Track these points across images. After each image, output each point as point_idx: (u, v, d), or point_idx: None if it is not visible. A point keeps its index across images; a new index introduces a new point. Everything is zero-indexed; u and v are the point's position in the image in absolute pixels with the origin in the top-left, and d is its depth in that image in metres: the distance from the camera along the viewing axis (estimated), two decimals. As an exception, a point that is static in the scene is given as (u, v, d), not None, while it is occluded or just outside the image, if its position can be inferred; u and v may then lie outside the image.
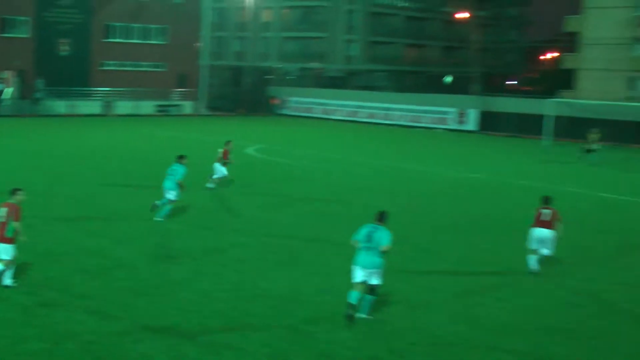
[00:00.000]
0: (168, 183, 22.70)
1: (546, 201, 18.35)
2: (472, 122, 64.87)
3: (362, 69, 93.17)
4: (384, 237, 14.25)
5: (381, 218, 14.75)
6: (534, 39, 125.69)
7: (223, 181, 28.89)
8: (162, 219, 22.48)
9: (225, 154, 29.49)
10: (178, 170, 22.80)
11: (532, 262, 17.83)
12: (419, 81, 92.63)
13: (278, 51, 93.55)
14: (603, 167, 42.07)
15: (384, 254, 14.22)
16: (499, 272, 18.32)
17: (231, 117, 76.34)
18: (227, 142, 30.29)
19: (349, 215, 24.65)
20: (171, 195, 22.68)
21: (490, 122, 63.87)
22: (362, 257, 14.25)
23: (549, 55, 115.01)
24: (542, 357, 12.77)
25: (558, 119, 57.28)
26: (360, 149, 46.71)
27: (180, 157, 23.22)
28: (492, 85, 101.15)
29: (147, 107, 70.86)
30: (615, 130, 56.39)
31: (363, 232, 14.50)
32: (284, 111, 79.39)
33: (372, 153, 44.64)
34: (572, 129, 57.85)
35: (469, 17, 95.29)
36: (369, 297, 14.33)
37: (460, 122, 65.41)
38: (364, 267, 14.18)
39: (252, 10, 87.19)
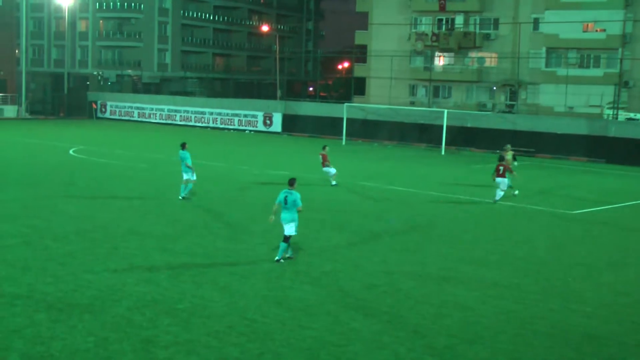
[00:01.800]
0: (183, 167, 26.25)
1: (291, 183, 17.95)
2: (277, 124, 65.45)
3: (175, 75, 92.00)
4: (297, 199, 17.31)
5: (292, 184, 17.58)
6: (329, 50, 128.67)
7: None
8: (187, 196, 26.23)
9: (324, 158, 31.52)
10: (186, 155, 26.30)
11: None
12: (227, 87, 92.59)
13: (96, 59, 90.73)
14: (391, 161, 43.56)
15: (298, 212, 17.40)
16: (305, 261, 18.45)
17: (52, 121, 73.44)
18: (324, 147, 32.37)
19: (166, 211, 24.25)
20: (189, 176, 26.20)
21: (292, 124, 64.71)
22: (284, 215, 17.37)
23: (342, 65, 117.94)
24: (342, 332, 12.94)
25: (352, 121, 58.97)
26: (176, 149, 45.91)
27: (183, 144, 26.92)
28: (294, 91, 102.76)
29: (-33, 111, 66.85)
30: (400, 131, 58.71)
31: (281, 196, 17.41)
32: (104, 115, 77.15)
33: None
34: (364, 129, 59.82)
35: (271, 30, 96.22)
36: (284, 244, 17.52)
37: (266, 125, 65.84)
38: (287, 221, 17.29)
39: (69, 20, 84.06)
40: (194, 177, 26.53)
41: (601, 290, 16.51)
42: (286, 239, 17.52)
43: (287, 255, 17.88)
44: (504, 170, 28.28)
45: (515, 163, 32.42)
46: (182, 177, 26.59)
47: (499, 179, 28.37)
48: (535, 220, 25.67)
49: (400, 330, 13.19)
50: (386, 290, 15.72)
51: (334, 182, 31.62)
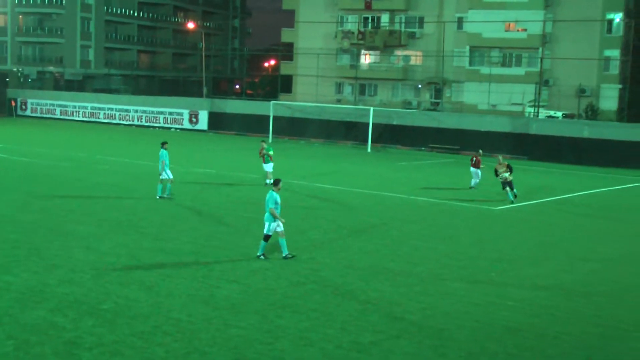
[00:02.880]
0: (160, 166, 26.52)
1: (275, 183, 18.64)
2: (203, 122, 64.96)
3: (98, 72, 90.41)
4: (270, 200, 17.83)
5: (275, 184, 18.27)
6: (256, 48, 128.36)
7: None
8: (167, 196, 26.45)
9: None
10: (164, 154, 26.52)
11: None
12: (153, 85, 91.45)
13: (15, 55, 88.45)
14: (318, 159, 43.75)
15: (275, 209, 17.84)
16: (232, 259, 18.38)
17: (-31, 119, 71.30)
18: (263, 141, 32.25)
19: (91, 210, 23.82)
20: (166, 175, 26.45)
21: (219, 122, 64.35)
22: (266, 215, 17.91)
23: (269, 63, 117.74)
24: (269, 330, 12.94)
25: (278, 119, 58.97)
26: (100, 148, 45.25)
27: (163, 143, 27.08)
28: (220, 89, 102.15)
29: None
30: (327, 128, 58.98)
31: (266, 197, 18.04)
32: (24, 112, 75.30)
33: (112, 151, 43.39)
34: (291, 127, 59.89)
35: (197, 27, 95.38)
36: (282, 240, 18.06)
37: (192, 122, 65.30)
38: (269, 221, 17.84)
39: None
40: (171, 176, 26.69)
41: (522, 285, 16.90)
42: (266, 237, 18.10)
43: (290, 255, 18.27)
44: (477, 162, 32.54)
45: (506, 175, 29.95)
46: (159, 176, 26.76)
47: (472, 169, 32.62)
48: (460, 216, 26.11)
49: (327, 327, 13.25)
50: (313, 288, 15.78)
51: (268, 181, 30.71)
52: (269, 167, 31.17)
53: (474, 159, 33.00)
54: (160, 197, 26.46)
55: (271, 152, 31.11)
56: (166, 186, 26.69)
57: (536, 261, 19.51)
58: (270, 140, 56.68)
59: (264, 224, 18.09)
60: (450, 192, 31.63)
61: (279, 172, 35.91)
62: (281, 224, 17.98)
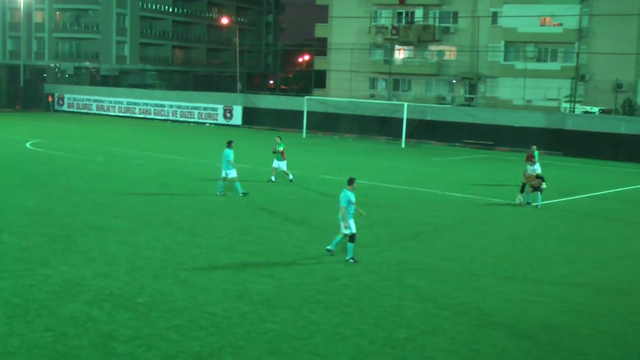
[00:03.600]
0: (223, 164, 26.30)
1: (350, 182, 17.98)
2: (237, 117, 65.20)
3: (134, 68, 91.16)
4: (343, 198, 17.42)
5: (349, 182, 17.73)
6: (289, 43, 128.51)
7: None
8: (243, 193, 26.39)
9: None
10: (229, 154, 26.28)
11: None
12: (187, 80, 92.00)
13: (52, 50, 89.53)
14: (351, 155, 43.74)
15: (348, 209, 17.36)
16: (266, 254, 18.45)
17: (8, 113, 72.30)
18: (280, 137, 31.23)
19: (125, 204, 24.06)
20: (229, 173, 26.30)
21: (253, 117, 64.55)
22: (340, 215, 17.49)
23: (302, 58, 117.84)
24: (303, 325, 12.97)
25: (312, 114, 59.02)
26: (135, 142, 45.65)
27: (229, 143, 26.85)
28: (254, 84, 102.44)
29: None
30: (360, 124, 58.91)
31: (340, 195, 17.61)
32: (61, 107, 76.18)
33: (147, 146, 43.74)
34: (325, 122, 59.89)
35: (231, 22, 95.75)
36: (350, 244, 17.52)
37: (227, 118, 65.56)
38: (350, 219, 17.33)
39: (24, 11, 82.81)
40: (235, 175, 26.46)
41: (557, 282, 16.75)
42: (351, 237, 17.53)
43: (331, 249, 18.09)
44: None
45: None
46: (220, 173, 26.74)
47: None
48: (493, 213, 25.95)
49: (361, 322, 13.26)
50: (347, 283, 15.78)
51: (291, 177, 30.51)
52: (283, 164, 30.25)
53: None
54: (220, 193, 26.49)
55: (281, 148, 30.14)
56: (235, 184, 26.47)
57: (571, 258, 19.32)
58: (304, 135, 56.79)
59: (340, 225, 17.66)
60: (484, 188, 31.42)
61: (314, 167, 36.01)
62: (346, 226, 17.47)
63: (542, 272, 17.61)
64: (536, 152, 30.79)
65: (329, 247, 18.09)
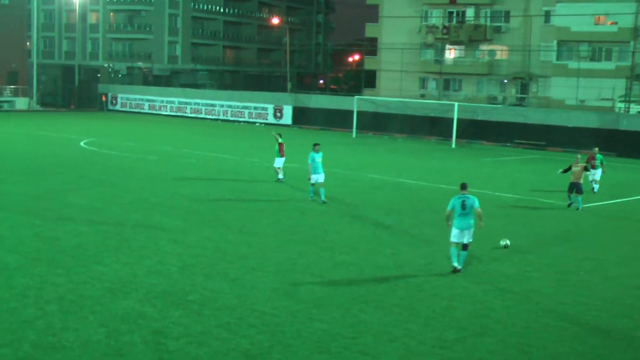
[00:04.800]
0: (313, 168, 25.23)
1: (463, 187, 17.14)
2: (287, 117, 65.45)
3: (185, 68, 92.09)
4: (475, 202, 16.60)
5: (465, 187, 16.82)
6: (339, 43, 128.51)
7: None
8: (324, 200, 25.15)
9: (282, 147, 29.62)
10: (316, 157, 25.31)
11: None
12: (238, 80, 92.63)
13: (106, 51, 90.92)
14: (401, 154, 43.59)
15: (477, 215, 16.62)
16: (316, 253, 18.47)
17: (63, 113, 73.68)
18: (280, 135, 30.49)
19: (176, 203, 24.31)
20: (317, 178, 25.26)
21: (303, 117, 64.73)
22: (459, 221, 16.49)
23: (352, 58, 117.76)
24: (352, 324, 12.96)
25: (362, 114, 58.96)
26: (186, 142, 46.11)
27: (315, 145, 25.65)
28: (304, 84, 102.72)
29: (-21, 103, 67.34)
30: (410, 124, 58.66)
31: (455, 202, 16.61)
32: (114, 107, 77.34)
33: (198, 145, 44.15)
34: (374, 122, 59.79)
35: (281, 22, 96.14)
36: (463, 252, 16.63)
37: (277, 117, 65.86)
38: (462, 229, 16.48)
39: (80, 12, 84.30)
40: (321, 180, 25.27)
41: (611, 284, 16.48)
42: (465, 247, 16.66)
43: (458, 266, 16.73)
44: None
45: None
46: (311, 178, 25.39)
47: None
48: (546, 214, 25.62)
49: (410, 322, 13.21)
50: (397, 283, 15.74)
51: (280, 176, 29.76)
52: (279, 162, 29.64)
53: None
54: (312, 199, 25.58)
55: (280, 141, 29.59)
56: (316, 189, 25.60)
57: (626, 261, 18.98)
58: (354, 135, 56.75)
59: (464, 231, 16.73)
60: (536, 189, 31.03)
61: (364, 167, 35.96)
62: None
63: (596, 274, 17.33)
64: (598, 156, 30.22)
65: (455, 265, 16.74)
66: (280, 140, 29.84)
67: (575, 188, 26.27)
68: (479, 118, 56.15)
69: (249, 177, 31.41)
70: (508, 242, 19.37)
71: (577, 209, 26.13)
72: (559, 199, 28.52)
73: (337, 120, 61.46)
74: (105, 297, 13.87)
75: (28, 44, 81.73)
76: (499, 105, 63.74)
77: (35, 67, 77.11)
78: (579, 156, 28.25)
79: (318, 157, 25.45)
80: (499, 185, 31.97)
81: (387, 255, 18.24)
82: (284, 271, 16.29)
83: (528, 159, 45.74)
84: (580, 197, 26.26)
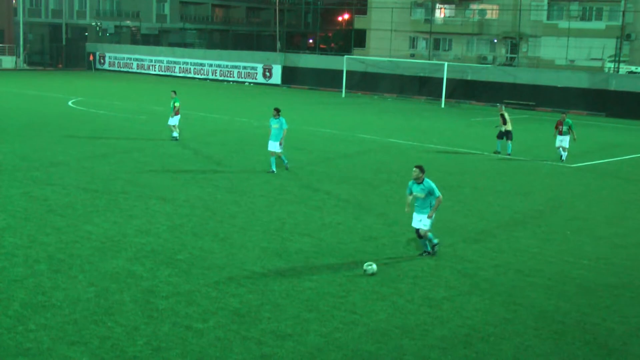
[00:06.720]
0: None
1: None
2: (276, 76, 65.09)
3: (174, 27, 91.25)
4: (432, 187, 15.22)
5: (422, 170, 15.33)
6: (329, 2, 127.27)
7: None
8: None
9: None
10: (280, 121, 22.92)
11: None
12: (227, 39, 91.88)
13: (93, 9, 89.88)
14: (391, 114, 43.48)
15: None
16: (304, 213, 18.48)
17: (50, 72, 73.04)
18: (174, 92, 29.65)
19: (165, 162, 24.24)
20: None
21: (292, 77, 64.39)
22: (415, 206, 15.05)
23: (342, 17, 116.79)
24: (341, 284, 13.01)
25: (352, 73, 58.68)
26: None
27: (275, 110, 23.37)
28: (293, 44, 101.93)
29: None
30: (400, 83, 58.46)
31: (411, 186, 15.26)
32: (102, 66, 76.70)
33: (187, 105, 43.85)
34: (364, 82, 59.55)
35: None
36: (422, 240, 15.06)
37: (266, 77, 65.49)
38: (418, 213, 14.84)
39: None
40: (277, 149, 23.04)
41: (599, 243, 16.57)
42: (418, 235, 14.95)
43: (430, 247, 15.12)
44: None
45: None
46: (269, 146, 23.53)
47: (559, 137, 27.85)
48: (535, 173, 25.68)
49: (399, 282, 13.27)
50: (385, 243, 15.79)
51: (175, 134, 29.10)
52: (174, 120, 28.86)
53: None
54: (270, 171, 23.22)
55: (177, 104, 28.83)
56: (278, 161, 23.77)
57: (614, 220, 19.08)
58: (343, 95, 56.54)
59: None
60: (525, 149, 31.06)
61: (353, 127, 35.86)
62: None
63: (583, 234, 17.42)
64: (568, 120, 27.78)
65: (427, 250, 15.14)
66: (175, 102, 28.77)
67: (504, 136, 29.13)
68: (469, 78, 56.01)
69: (238, 136, 31.28)
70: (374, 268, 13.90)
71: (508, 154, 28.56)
72: (546, 157, 28.57)
73: (327, 80, 61.19)
74: (94, 257, 13.86)
75: (14, 1, 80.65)
76: (489, 65, 63.56)
77: (21, 25, 76.26)
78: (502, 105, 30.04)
79: (275, 123, 22.96)
80: (488, 145, 31.96)
81: (375, 214, 18.26)
82: (273, 231, 16.31)
83: (518, 119, 45.70)
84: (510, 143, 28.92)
